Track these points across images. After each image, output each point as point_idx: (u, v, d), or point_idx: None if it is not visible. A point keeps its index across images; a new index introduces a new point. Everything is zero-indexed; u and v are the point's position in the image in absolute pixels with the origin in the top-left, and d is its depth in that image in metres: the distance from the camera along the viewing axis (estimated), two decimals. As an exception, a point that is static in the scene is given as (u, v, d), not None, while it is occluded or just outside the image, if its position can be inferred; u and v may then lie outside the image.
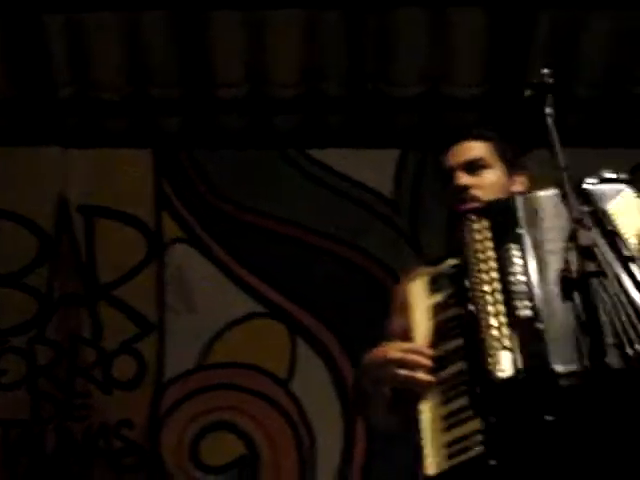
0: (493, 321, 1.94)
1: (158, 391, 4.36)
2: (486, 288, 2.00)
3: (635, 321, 1.82)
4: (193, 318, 4.38)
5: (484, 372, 1.89)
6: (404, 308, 2.19)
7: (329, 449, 4.33)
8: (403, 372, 2.02)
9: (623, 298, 1.86)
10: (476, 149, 2.39)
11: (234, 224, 4.46)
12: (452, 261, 2.16)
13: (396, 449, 4.25)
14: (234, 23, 4.22)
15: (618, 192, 2.10)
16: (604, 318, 1.78)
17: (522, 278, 1.97)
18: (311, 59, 4.34)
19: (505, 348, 1.89)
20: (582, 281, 1.83)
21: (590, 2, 4.19)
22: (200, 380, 4.38)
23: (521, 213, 2.09)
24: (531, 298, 1.94)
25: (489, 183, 2.35)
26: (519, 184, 2.40)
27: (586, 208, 2.02)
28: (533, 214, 2.08)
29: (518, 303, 1.94)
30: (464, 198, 2.32)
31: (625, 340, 1.78)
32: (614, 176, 2.13)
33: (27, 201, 4.41)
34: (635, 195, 2.11)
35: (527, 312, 1.92)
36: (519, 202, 2.12)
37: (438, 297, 2.12)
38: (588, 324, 1.80)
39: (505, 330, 1.92)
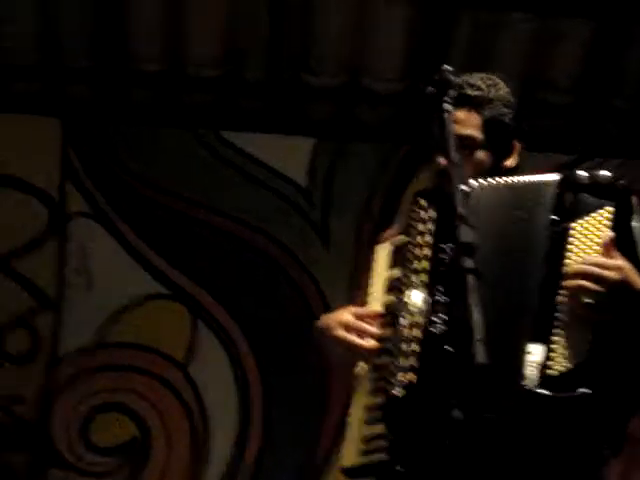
0: (409, 333, 2.02)
1: (51, 367, 4.26)
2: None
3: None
4: (93, 295, 4.29)
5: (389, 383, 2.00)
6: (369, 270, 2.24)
7: (223, 436, 4.28)
8: (349, 337, 2.11)
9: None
10: (475, 125, 2.26)
11: (142, 202, 4.37)
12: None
13: (290, 443, 4.24)
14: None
15: (597, 207, 2.00)
16: (476, 316, 1.80)
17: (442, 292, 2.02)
18: (232, 40, 4.28)
19: (408, 368, 1.99)
20: (456, 276, 1.85)
21: (512, 3, 4.22)
22: (95, 359, 4.29)
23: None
24: (445, 316, 2.00)
25: (478, 163, 2.26)
26: (511, 159, 2.30)
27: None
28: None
29: (434, 318, 2.02)
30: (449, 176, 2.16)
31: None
32: (607, 180, 2.03)
33: None
34: (610, 217, 1.99)
35: (439, 328, 2.00)
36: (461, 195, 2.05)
37: (396, 271, 2.16)
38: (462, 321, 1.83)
39: (415, 346, 2.00)
